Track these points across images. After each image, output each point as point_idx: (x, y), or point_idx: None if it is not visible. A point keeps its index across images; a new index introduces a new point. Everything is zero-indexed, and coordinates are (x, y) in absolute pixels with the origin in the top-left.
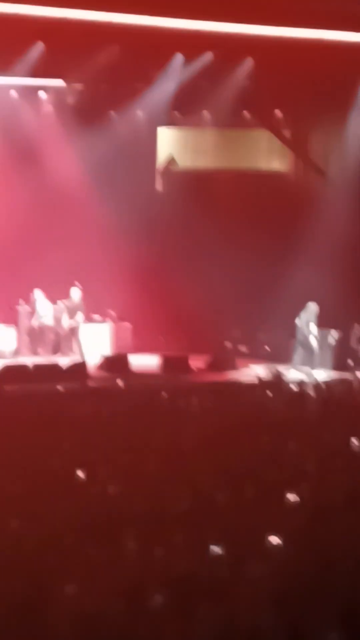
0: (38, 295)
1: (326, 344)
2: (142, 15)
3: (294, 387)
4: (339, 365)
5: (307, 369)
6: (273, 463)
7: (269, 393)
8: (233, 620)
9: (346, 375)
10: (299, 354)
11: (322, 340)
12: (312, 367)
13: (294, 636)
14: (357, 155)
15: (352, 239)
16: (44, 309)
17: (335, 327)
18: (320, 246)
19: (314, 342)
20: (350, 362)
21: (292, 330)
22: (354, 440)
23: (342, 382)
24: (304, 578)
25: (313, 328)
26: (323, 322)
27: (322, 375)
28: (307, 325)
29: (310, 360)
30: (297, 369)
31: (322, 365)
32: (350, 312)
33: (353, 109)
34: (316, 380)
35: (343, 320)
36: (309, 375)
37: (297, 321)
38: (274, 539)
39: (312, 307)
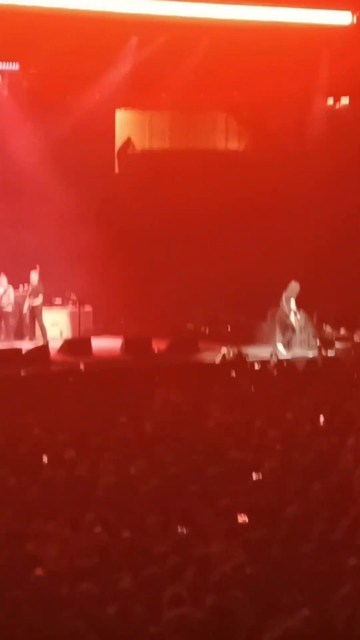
0: None
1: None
2: None
3: (257, 366)
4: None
5: (283, 347)
6: (236, 441)
7: (231, 372)
8: (201, 599)
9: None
10: (278, 332)
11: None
12: (291, 345)
13: (260, 614)
14: (313, 134)
15: (310, 219)
16: (4, 293)
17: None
18: (280, 226)
19: (293, 320)
20: (317, 342)
21: (254, 311)
22: (319, 418)
23: (310, 361)
24: (269, 557)
25: (293, 306)
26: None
27: (299, 353)
28: (288, 304)
29: (289, 338)
30: (275, 347)
31: (299, 343)
32: (313, 293)
33: (310, 88)
34: (286, 359)
35: (307, 302)
36: (284, 353)
37: (281, 300)
38: (239, 517)
39: (294, 286)
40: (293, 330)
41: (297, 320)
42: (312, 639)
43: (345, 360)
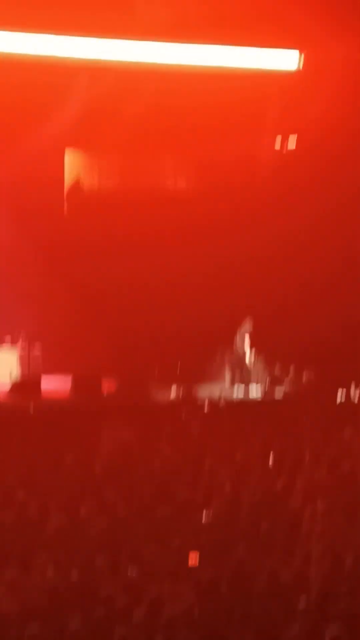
0: None
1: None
2: (46, 34)
3: (206, 406)
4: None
5: (234, 385)
6: (186, 481)
7: (181, 412)
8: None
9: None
10: (228, 371)
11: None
12: (245, 383)
13: None
14: (261, 175)
15: (260, 255)
16: None
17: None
18: (229, 264)
19: (248, 358)
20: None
21: (203, 349)
22: (269, 458)
23: (259, 400)
24: (218, 598)
25: (247, 345)
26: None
27: (248, 392)
28: (242, 341)
29: (242, 376)
30: (224, 386)
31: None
32: (263, 331)
33: (257, 129)
34: (236, 397)
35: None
36: (233, 392)
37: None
38: (191, 558)
39: (247, 324)
40: (246, 368)
41: (251, 358)
42: None
43: (293, 400)
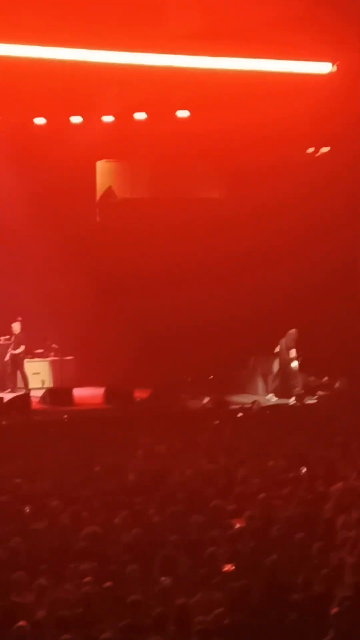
0: None
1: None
2: (77, 48)
3: (239, 414)
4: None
5: (276, 394)
6: (218, 489)
7: (214, 421)
8: None
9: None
10: (276, 381)
11: (266, 367)
12: (288, 394)
13: None
14: (293, 182)
15: (292, 267)
16: None
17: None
18: (262, 274)
19: (293, 368)
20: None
21: (235, 359)
22: (302, 466)
23: (293, 408)
24: (250, 607)
25: (293, 354)
26: (265, 351)
27: (281, 400)
28: (287, 352)
29: (287, 386)
30: (259, 395)
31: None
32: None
33: (290, 137)
34: (268, 405)
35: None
36: (277, 400)
37: (278, 347)
38: (225, 566)
39: (292, 333)
40: (292, 377)
41: (296, 368)
42: None
43: (327, 408)
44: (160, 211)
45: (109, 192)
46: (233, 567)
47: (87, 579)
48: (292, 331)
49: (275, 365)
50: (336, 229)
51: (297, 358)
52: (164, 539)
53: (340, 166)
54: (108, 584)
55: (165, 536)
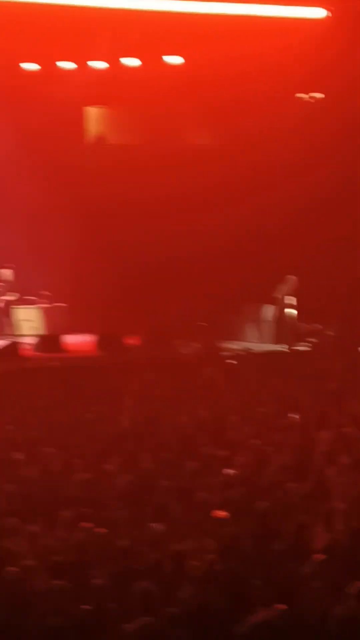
0: None
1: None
2: None
3: (231, 361)
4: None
5: (266, 341)
6: (211, 436)
7: (206, 368)
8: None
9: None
10: (268, 327)
11: (255, 313)
12: (281, 340)
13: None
14: (287, 128)
15: (285, 213)
16: None
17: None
18: (253, 220)
19: (289, 315)
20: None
21: (228, 306)
22: (294, 413)
23: (284, 355)
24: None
25: (290, 301)
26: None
27: (273, 347)
28: (284, 299)
29: (280, 333)
30: (254, 342)
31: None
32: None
33: (283, 82)
34: (260, 352)
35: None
36: (264, 347)
37: (277, 294)
38: (219, 512)
39: (291, 280)
40: (286, 324)
41: (294, 315)
42: (284, 634)
43: (319, 354)
44: (151, 157)
45: (99, 137)
46: (225, 514)
47: (79, 525)
48: (291, 277)
49: (268, 312)
50: (331, 172)
51: (292, 305)
52: (156, 486)
53: (333, 112)
54: (100, 530)
55: (158, 483)
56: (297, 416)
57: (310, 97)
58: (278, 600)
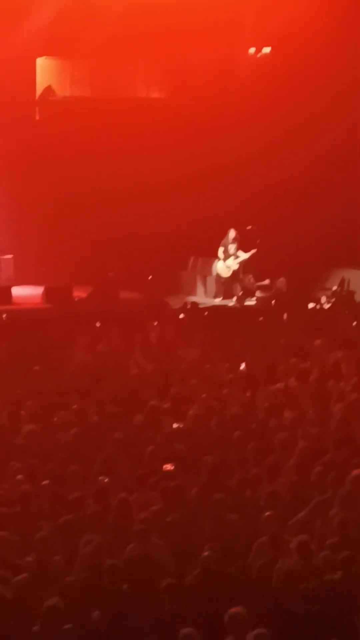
0: None
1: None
2: None
3: (179, 315)
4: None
5: (214, 295)
6: (158, 390)
7: (153, 322)
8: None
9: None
10: (216, 282)
11: (205, 268)
12: (228, 295)
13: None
14: (235, 82)
15: (234, 165)
16: None
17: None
18: (202, 173)
19: (233, 269)
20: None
21: (174, 260)
22: (240, 367)
23: (232, 309)
24: (188, 505)
25: (240, 256)
26: (206, 252)
27: (221, 301)
28: (224, 252)
29: (227, 287)
30: (202, 296)
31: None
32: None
33: (231, 36)
34: (207, 307)
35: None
36: (213, 301)
37: (221, 248)
38: (166, 465)
39: (231, 234)
40: (233, 279)
41: (232, 268)
42: (229, 586)
43: (266, 309)
44: (100, 110)
45: (48, 90)
46: (172, 467)
47: (23, 476)
48: (231, 231)
49: (216, 267)
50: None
51: (242, 260)
52: (104, 439)
53: (284, 61)
54: (46, 482)
55: (105, 436)
56: (243, 366)
57: (261, 53)
58: (223, 552)
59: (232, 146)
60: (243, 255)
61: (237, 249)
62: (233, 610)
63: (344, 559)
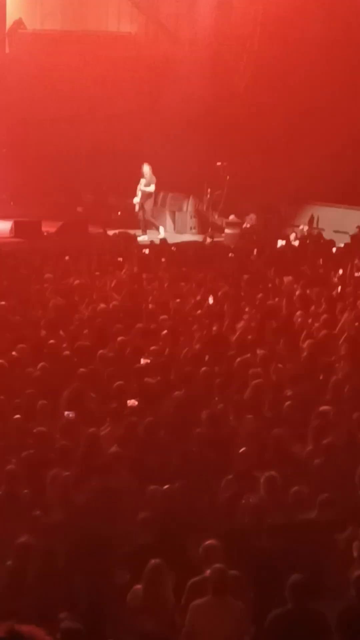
0: None
1: (180, 208)
2: None
3: (146, 251)
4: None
5: (180, 230)
6: (125, 325)
7: (121, 257)
8: None
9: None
10: (180, 216)
11: (174, 204)
12: (200, 231)
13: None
14: (206, 16)
15: (200, 103)
16: None
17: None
18: (167, 108)
19: (208, 206)
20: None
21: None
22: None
23: (199, 245)
24: (156, 440)
25: (142, 190)
26: (176, 187)
27: (187, 237)
28: (141, 188)
29: (201, 224)
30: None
31: (189, 228)
32: (203, 179)
33: None
34: (175, 242)
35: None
36: (187, 237)
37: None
38: (129, 401)
39: (145, 169)
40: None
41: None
42: (197, 520)
43: (233, 246)
44: (70, 44)
45: (18, 23)
46: (135, 402)
47: None
48: (144, 166)
49: (187, 203)
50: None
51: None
52: (71, 374)
53: None
54: (17, 416)
55: (72, 371)
56: (211, 300)
57: None
58: (192, 488)
59: (203, 82)
60: (145, 189)
61: (147, 184)
62: (207, 542)
63: (311, 497)
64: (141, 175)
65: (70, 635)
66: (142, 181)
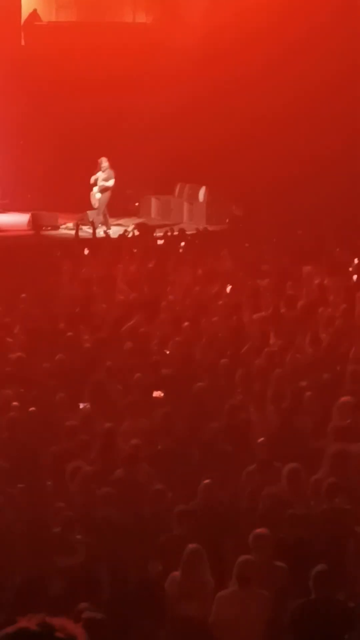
0: None
1: None
2: None
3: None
4: None
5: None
6: (146, 317)
7: (136, 248)
8: None
9: None
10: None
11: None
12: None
13: None
14: (222, 7)
15: (219, 90)
16: None
17: None
18: (187, 98)
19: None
20: None
21: (162, 186)
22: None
23: None
24: (178, 432)
25: (102, 184)
26: (193, 179)
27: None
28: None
29: (211, 213)
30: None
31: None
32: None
33: None
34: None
35: None
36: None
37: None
38: (155, 392)
39: (103, 163)
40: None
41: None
42: (217, 512)
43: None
44: (85, 35)
45: (33, 15)
46: (161, 394)
47: (14, 404)
48: (102, 160)
49: (202, 193)
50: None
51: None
52: (92, 365)
53: None
54: (32, 409)
55: (94, 362)
56: (229, 288)
57: None
58: (211, 477)
59: (218, 71)
60: (104, 183)
61: (106, 179)
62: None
63: (332, 488)
64: (98, 169)
65: (92, 625)
66: (100, 174)
